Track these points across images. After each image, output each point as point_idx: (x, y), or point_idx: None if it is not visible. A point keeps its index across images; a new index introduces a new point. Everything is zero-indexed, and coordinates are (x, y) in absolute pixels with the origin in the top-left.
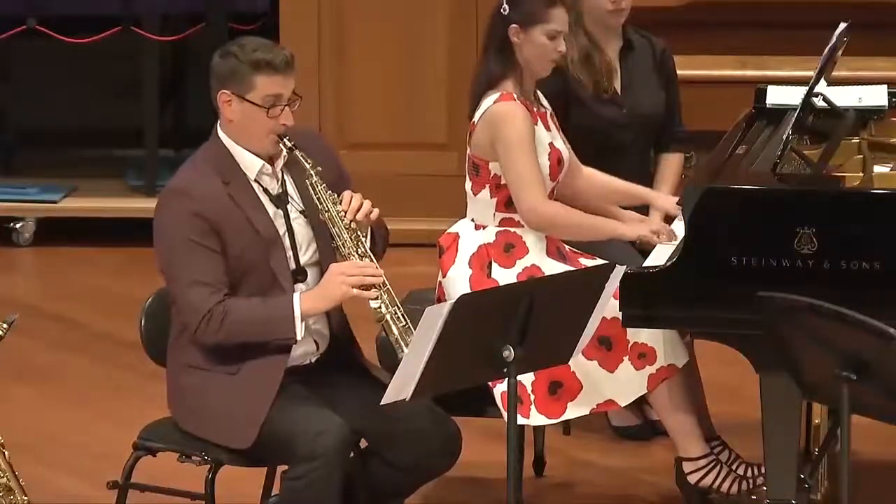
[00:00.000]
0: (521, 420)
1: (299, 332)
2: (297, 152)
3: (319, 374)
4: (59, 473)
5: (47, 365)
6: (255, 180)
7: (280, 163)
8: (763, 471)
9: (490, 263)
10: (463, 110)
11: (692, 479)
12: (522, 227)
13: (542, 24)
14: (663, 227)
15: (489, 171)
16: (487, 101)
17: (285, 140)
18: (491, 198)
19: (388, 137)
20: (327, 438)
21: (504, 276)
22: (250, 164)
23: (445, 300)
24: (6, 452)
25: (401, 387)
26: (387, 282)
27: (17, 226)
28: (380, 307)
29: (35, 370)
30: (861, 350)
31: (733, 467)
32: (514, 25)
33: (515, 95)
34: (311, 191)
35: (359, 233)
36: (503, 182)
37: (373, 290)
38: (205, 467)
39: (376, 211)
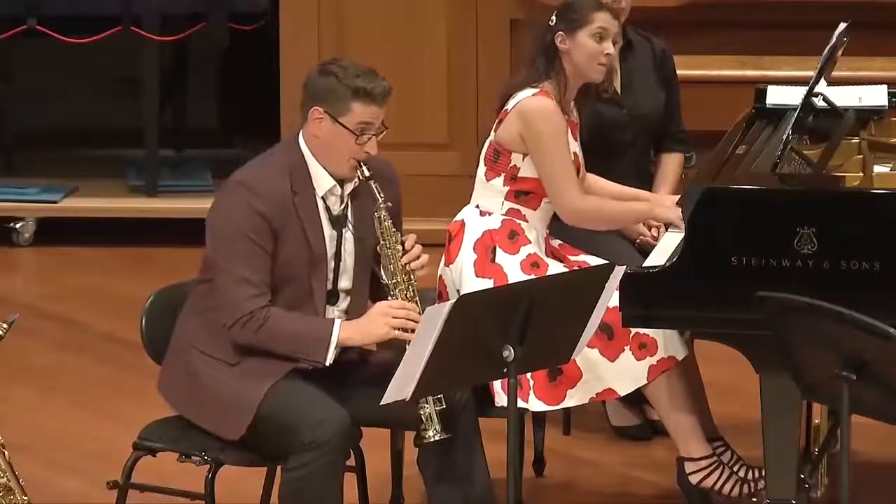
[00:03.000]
0: (520, 404)
1: (330, 357)
2: (372, 183)
3: (323, 371)
4: (59, 473)
5: (47, 365)
6: (322, 197)
7: (350, 187)
8: (764, 473)
9: (494, 248)
10: (463, 110)
11: (694, 479)
12: (527, 221)
13: (588, 26)
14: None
15: (509, 161)
16: (524, 93)
17: (364, 168)
18: (503, 186)
19: (388, 137)
20: (329, 428)
21: (508, 261)
22: (322, 181)
23: (446, 291)
24: (6, 452)
25: (401, 387)
26: None
27: (17, 226)
28: None
29: (35, 370)
30: (861, 350)
31: (734, 469)
32: (560, 33)
33: (553, 96)
34: (377, 223)
35: (411, 276)
36: (521, 175)
37: (412, 334)
38: (205, 467)
39: (426, 270)
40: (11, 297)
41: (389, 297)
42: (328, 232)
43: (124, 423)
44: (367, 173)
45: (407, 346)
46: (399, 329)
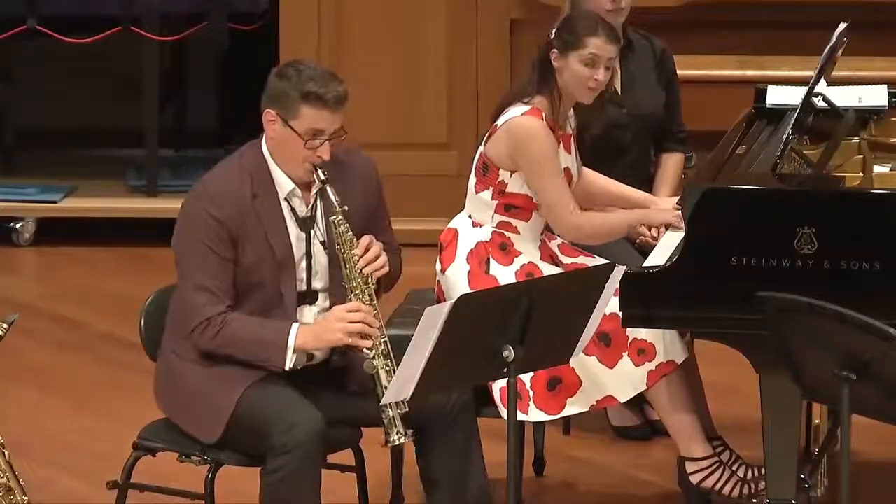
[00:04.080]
0: (519, 416)
1: (289, 362)
2: (328, 188)
3: (302, 377)
4: (59, 473)
5: (47, 365)
6: (286, 199)
7: (314, 188)
8: (763, 473)
9: (488, 260)
10: (463, 110)
11: (694, 479)
12: (518, 233)
13: (578, 51)
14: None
15: (497, 176)
16: (515, 111)
17: (320, 172)
18: (492, 200)
19: (388, 137)
20: (301, 431)
21: (502, 272)
22: (283, 183)
23: (444, 297)
24: (6, 452)
25: (401, 387)
26: (385, 333)
27: (17, 226)
28: (373, 358)
29: (35, 370)
30: (861, 350)
31: (734, 468)
32: (554, 50)
33: (544, 114)
34: (333, 227)
35: (369, 279)
36: (509, 190)
37: (368, 340)
38: (205, 467)
39: (385, 269)
40: (11, 297)
41: (349, 301)
42: (295, 233)
43: (124, 423)
44: (322, 177)
45: (364, 352)
46: (354, 335)
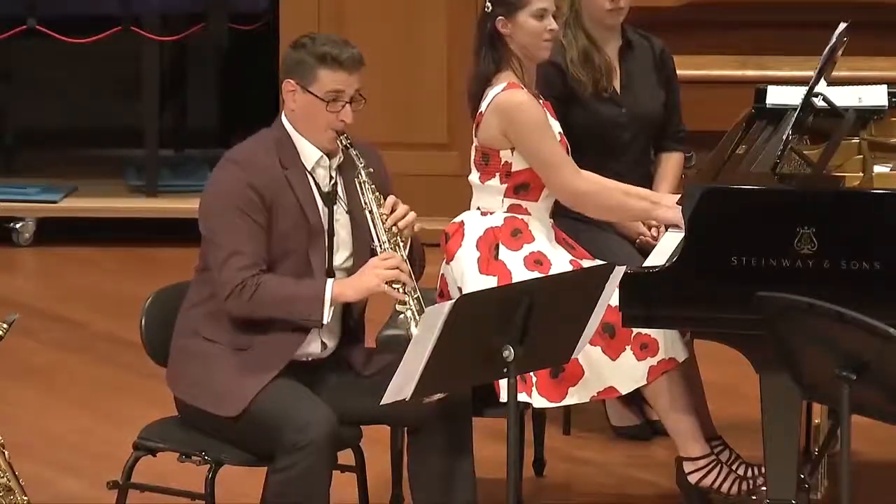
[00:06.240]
0: (522, 398)
1: (327, 315)
2: (352, 150)
3: (314, 372)
4: (59, 473)
5: (47, 365)
6: (310, 172)
7: (335, 162)
8: (763, 471)
9: (497, 245)
10: (463, 110)
11: (692, 478)
12: (529, 214)
13: (526, 7)
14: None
15: (500, 160)
16: (494, 91)
17: (342, 138)
18: (501, 184)
19: (388, 137)
20: (314, 430)
21: (511, 258)
22: (309, 154)
23: (448, 287)
24: (6, 452)
25: (401, 386)
26: (418, 290)
27: (17, 226)
28: (406, 312)
29: (35, 370)
30: (861, 350)
31: (733, 467)
32: (499, 18)
33: (520, 85)
34: (359, 188)
35: (398, 238)
36: (514, 169)
37: (402, 293)
38: (205, 467)
39: (415, 224)
40: (11, 297)
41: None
42: (320, 207)
43: (124, 423)
44: (345, 142)
45: (397, 308)
46: (390, 283)
